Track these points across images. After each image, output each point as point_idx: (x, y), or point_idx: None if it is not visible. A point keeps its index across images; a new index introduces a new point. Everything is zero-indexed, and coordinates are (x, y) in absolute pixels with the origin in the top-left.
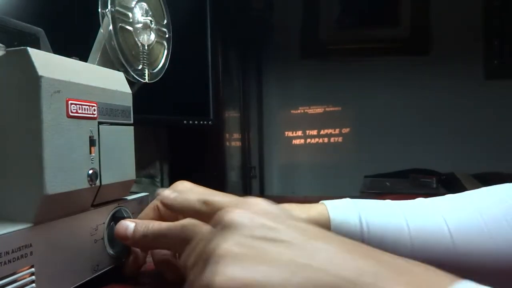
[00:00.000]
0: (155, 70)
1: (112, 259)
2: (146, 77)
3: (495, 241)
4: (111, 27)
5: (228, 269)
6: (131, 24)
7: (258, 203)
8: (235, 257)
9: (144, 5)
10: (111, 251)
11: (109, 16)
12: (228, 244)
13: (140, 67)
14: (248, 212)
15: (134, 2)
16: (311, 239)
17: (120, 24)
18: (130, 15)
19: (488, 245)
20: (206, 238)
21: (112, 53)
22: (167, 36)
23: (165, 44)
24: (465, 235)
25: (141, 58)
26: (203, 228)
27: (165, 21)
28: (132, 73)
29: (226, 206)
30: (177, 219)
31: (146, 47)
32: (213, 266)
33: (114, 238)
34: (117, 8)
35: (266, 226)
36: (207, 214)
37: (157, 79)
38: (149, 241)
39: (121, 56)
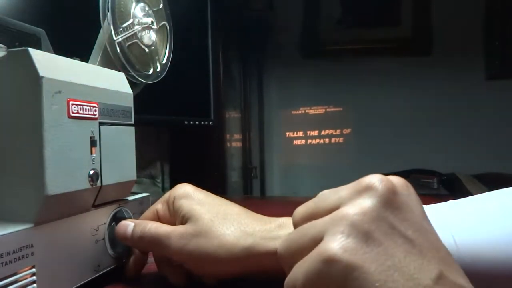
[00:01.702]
0: (156, 71)
1: (113, 260)
2: (148, 78)
3: (503, 249)
4: (111, 28)
5: (354, 244)
6: (132, 24)
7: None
8: (366, 236)
9: (145, 5)
10: (112, 252)
11: (110, 17)
12: (367, 219)
13: (141, 67)
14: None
15: (134, 3)
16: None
17: (120, 25)
18: (131, 15)
19: (497, 256)
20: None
21: (113, 55)
22: (167, 35)
23: (167, 44)
24: (471, 246)
25: (142, 59)
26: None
27: (166, 20)
28: (134, 74)
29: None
30: (174, 224)
31: (147, 48)
32: (342, 236)
33: (115, 239)
34: (117, 9)
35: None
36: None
37: (158, 80)
38: (145, 243)
39: (123, 57)
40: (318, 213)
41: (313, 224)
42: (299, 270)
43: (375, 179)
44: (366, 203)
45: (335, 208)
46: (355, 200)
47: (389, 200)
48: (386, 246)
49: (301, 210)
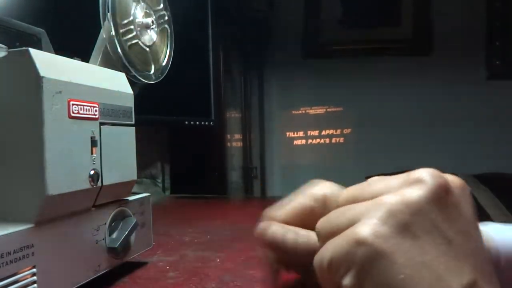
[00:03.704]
0: (157, 71)
1: (114, 260)
2: (148, 78)
3: None
4: (112, 28)
5: (387, 230)
6: (132, 25)
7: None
8: (402, 227)
9: (145, 5)
10: (112, 252)
11: (110, 17)
12: (406, 212)
13: (142, 67)
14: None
15: (135, 3)
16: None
17: (121, 25)
18: (131, 15)
19: None
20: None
21: (114, 54)
22: (168, 35)
23: (167, 44)
24: None
25: (143, 59)
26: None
27: (167, 21)
28: (135, 74)
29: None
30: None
31: (148, 48)
32: (376, 221)
33: (115, 239)
34: (118, 9)
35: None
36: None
37: (159, 80)
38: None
39: (123, 57)
40: (362, 197)
41: (353, 206)
42: (329, 246)
43: (426, 173)
44: (411, 194)
45: (381, 194)
46: (402, 190)
47: (437, 197)
48: (422, 242)
49: (347, 192)
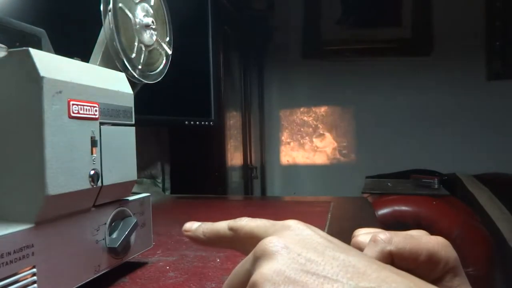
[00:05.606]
0: (157, 71)
1: (114, 260)
2: (148, 78)
3: None
4: (113, 28)
5: None
6: (133, 24)
7: (291, 226)
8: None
9: (145, 5)
10: (112, 252)
11: (111, 16)
12: (265, 276)
13: (142, 67)
14: (281, 240)
15: (135, 3)
16: (354, 277)
17: (121, 25)
18: (132, 15)
19: None
20: (244, 270)
21: (114, 54)
22: (168, 36)
23: (167, 43)
24: None
25: (143, 59)
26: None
27: (166, 21)
28: (134, 74)
29: (254, 231)
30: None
31: (147, 48)
32: None
33: (115, 239)
34: (118, 8)
35: (304, 257)
36: (234, 240)
37: (158, 80)
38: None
39: (124, 56)
40: None
41: None
42: None
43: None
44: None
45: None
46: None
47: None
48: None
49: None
